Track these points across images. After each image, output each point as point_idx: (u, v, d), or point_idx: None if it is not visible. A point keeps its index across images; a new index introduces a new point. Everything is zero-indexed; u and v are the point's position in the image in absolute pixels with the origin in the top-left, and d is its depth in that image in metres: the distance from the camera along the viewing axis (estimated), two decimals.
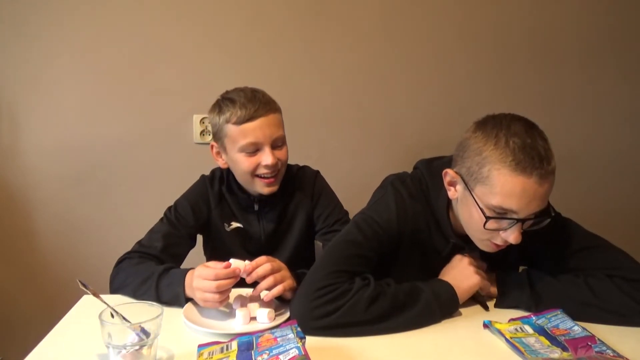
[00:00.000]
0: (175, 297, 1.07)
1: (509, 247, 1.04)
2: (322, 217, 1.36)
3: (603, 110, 2.12)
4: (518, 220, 0.96)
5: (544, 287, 1.08)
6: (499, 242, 1.02)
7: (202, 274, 1.03)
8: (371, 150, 2.05)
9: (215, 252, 1.38)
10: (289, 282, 1.05)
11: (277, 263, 1.06)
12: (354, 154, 2.05)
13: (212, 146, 1.33)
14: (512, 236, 0.98)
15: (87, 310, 1.08)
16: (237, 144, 1.24)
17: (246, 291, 1.11)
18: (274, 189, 1.28)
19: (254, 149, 1.24)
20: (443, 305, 1.05)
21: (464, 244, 1.11)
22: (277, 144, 1.27)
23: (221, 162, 1.33)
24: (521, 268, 1.19)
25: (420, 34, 2.00)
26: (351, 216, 1.24)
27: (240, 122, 1.22)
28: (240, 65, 1.94)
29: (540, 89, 2.07)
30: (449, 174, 1.06)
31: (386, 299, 1.00)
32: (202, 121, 1.95)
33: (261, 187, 1.28)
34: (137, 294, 1.11)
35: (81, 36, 1.89)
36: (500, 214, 0.97)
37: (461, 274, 1.09)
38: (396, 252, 1.14)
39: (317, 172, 1.43)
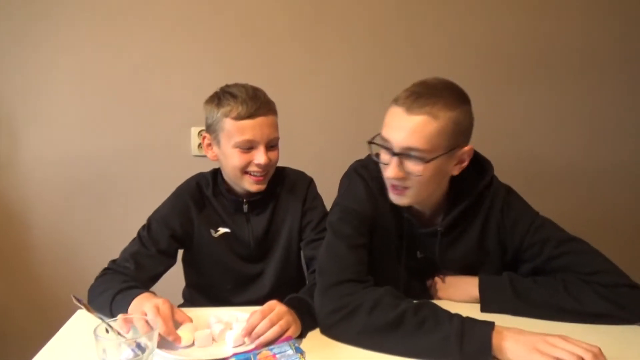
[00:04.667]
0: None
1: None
2: (311, 225, 1.35)
3: (603, 121, 2.12)
4: (394, 154, 1.07)
5: (526, 292, 1.10)
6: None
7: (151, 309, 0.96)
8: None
9: (202, 262, 1.36)
10: (293, 328, 0.99)
11: (277, 314, 0.98)
12: (349, 159, 2.04)
13: (203, 137, 1.33)
14: (388, 169, 1.09)
15: (81, 325, 1.07)
16: (232, 139, 1.25)
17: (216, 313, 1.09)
18: (261, 187, 1.29)
19: (249, 147, 1.25)
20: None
21: (414, 220, 1.19)
22: (272, 144, 1.29)
23: (210, 154, 1.33)
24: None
25: (416, 40, 2.00)
26: None
27: (239, 118, 1.23)
28: (238, 78, 1.94)
29: (540, 99, 2.08)
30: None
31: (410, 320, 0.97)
32: (200, 134, 1.95)
33: (249, 185, 1.29)
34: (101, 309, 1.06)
35: (80, 48, 1.90)
36: (382, 145, 1.09)
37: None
38: (371, 238, 1.19)
39: (312, 179, 1.43)
